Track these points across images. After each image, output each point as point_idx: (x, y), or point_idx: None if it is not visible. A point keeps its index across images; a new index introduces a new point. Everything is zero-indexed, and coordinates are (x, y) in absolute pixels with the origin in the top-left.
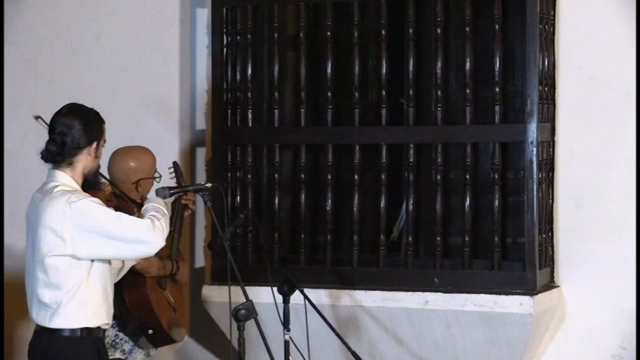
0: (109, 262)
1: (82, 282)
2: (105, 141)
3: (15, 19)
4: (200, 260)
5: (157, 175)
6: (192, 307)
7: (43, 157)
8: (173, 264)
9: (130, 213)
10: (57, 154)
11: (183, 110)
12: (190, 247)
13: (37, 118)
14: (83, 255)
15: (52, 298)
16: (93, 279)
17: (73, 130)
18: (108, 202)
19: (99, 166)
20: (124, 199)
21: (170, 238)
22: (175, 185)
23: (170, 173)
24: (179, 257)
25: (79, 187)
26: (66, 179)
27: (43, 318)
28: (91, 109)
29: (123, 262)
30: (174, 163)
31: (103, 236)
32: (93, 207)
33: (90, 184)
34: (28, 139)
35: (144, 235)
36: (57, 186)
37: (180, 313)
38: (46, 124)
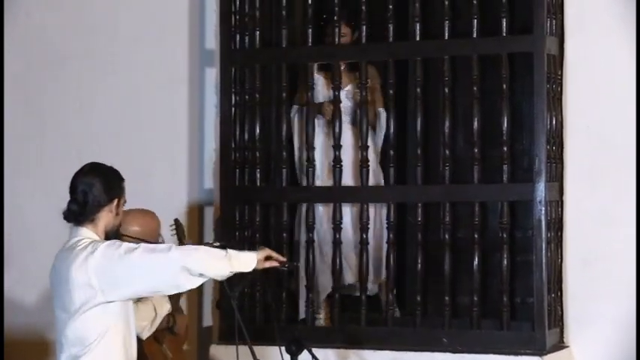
0: (133, 314)
1: (106, 332)
2: (125, 200)
3: (23, 73)
4: (208, 319)
5: (160, 239)
6: None
7: (65, 217)
8: (169, 317)
9: None
10: (79, 213)
11: (192, 169)
12: (198, 306)
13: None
14: (115, 298)
15: (77, 351)
16: (115, 329)
17: (93, 189)
18: None
19: (120, 224)
20: None
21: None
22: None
23: (171, 230)
24: (176, 311)
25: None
26: (88, 234)
27: None
28: (111, 167)
29: (155, 311)
30: (176, 220)
31: (126, 272)
32: (112, 247)
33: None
34: (36, 196)
35: (161, 258)
36: (80, 240)
37: None
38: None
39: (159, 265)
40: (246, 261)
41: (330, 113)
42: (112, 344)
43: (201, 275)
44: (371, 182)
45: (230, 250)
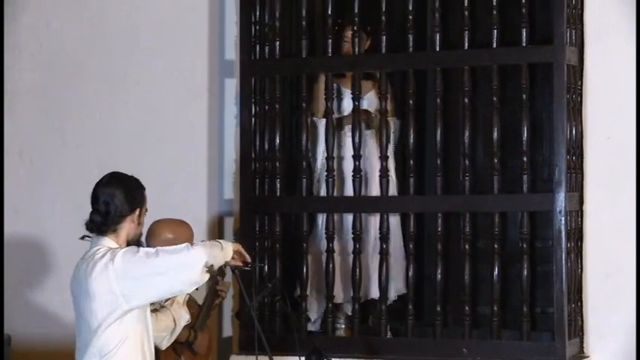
0: (150, 317)
1: (125, 339)
2: (147, 209)
3: (43, 84)
4: (228, 330)
5: None
6: None
7: (87, 228)
8: (190, 332)
9: None
10: (101, 223)
11: (212, 179)
12: (218, 316)
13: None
14: (139, 302)
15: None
16: (134, 335)
17: (115, 199)
18: None
19: (141, 233)
20: None
21: (196, 312)
22: None
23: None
24: (200, 328)
25: None
26: (110, 243)
27: None
28: (132, 177)
29: (174, 322)
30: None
31: (149, 275)
32: (130, 253)
33: None
34: (56, 208)
35: (184, 257)
36: (99, 249)
37: None
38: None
39: (184, 265)
40: (226, 253)
41: (377, 122)
42: (129, 350)
43: (210, 267)
44: (390, 192)
45: (222, 241)
